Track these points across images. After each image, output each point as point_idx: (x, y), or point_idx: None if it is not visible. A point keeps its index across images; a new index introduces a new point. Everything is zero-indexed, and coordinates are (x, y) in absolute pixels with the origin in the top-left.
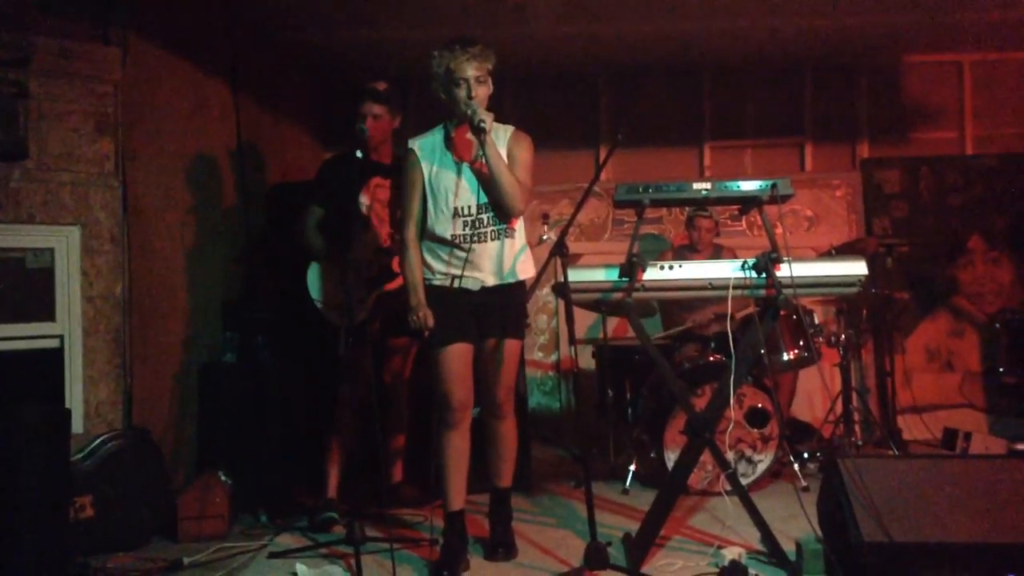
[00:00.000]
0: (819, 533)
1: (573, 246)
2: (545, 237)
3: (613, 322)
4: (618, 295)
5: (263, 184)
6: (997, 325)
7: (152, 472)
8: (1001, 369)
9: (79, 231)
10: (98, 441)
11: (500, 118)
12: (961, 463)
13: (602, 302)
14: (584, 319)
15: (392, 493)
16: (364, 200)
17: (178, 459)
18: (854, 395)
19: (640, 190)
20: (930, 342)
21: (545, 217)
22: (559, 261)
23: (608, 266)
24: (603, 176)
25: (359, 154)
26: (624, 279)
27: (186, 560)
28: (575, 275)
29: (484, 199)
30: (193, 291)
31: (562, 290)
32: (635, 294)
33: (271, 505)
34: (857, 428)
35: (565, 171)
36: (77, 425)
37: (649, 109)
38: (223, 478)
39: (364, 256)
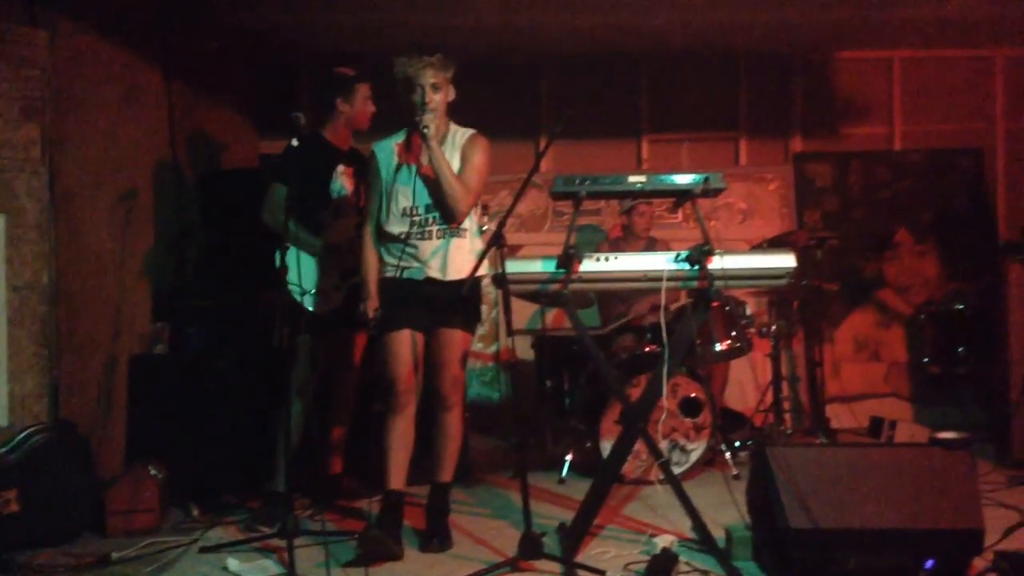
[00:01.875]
0: (748, 520)
1: (514, 237)
2: (485, 228)
3: (553, 313)
4: (555, 286)
5: (197, 172)
6: (922, 317)
7: (80, 466)
8: (926, 359)
9: (3, 219)
10: (24, 434)
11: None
12: (886, 451)
13: (540, 293)
14: (525, 309)
15: (331, 484)
16: (337, 185)
17: (107, 452)
18: (784, 385)
19: (577, 182)
20: (858, 333)
21: (485, 208)
22: (498, 252)
23: (546, 257)
24: (543, 167)
25: (294, 142)
26: (561, 270)
27: (115, 555)
28: (513, 266)
29: (430, 200)
30: (123, 280)
31: (500, 281)
32: (572, 285)
33: (203, 499)
34: (787, 417)
35: (505, 161)
36: (1, 418)
37: (589, 101)
38: (153, 471)
39: (340, 243)
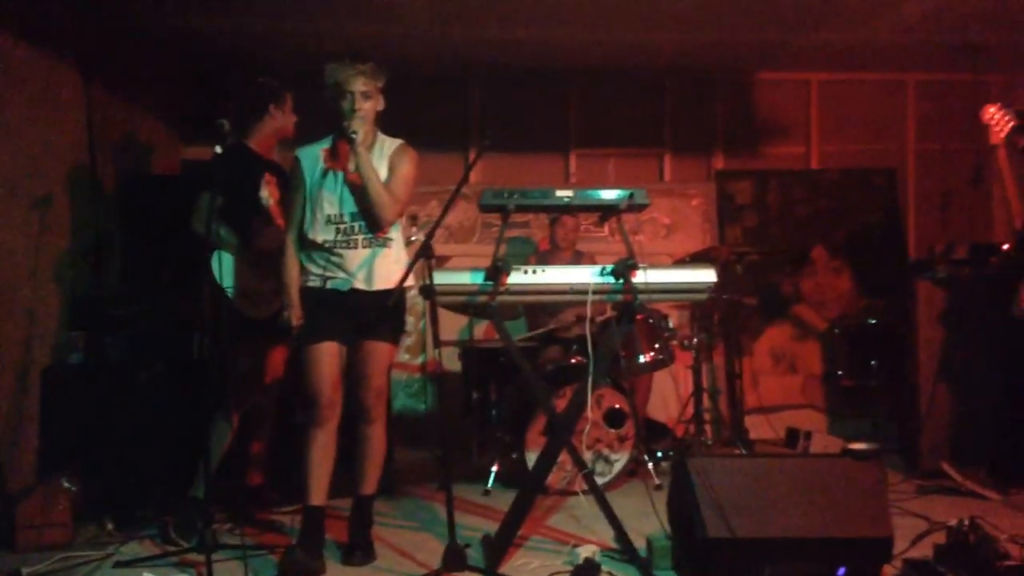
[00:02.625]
0: (669, 530)
1: (442, 248)
2: (414, 238)
3: (482, 324)
4: (483, 298)
5: (117, 177)
6: (836, 331)
7: None
8: (840, 372)
9: None
10: None
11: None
12: (801, 462)
13: (468, 304)
14: (454, 321)
15: (251, 496)
16: (265, 194)
17: (18, 465)
18: (705, 396)
19: (505, 195)
20: (775, 346)
21: (414, 218)
22: (426, 263)
23: (474, 269)
24: (473, 179)
25: (218, 149)
26: (489, 282)
27: (25, 570)
28: (441, 277)
29: (356, 208)
30: (37, 288)
31: (428, 292)
32: (499, 297)
33: (119, 513)
34: (708, 428)
35: (435, 172)
36: None
37: (520, 114)
38: (67, 485)
39: (271, 249)
